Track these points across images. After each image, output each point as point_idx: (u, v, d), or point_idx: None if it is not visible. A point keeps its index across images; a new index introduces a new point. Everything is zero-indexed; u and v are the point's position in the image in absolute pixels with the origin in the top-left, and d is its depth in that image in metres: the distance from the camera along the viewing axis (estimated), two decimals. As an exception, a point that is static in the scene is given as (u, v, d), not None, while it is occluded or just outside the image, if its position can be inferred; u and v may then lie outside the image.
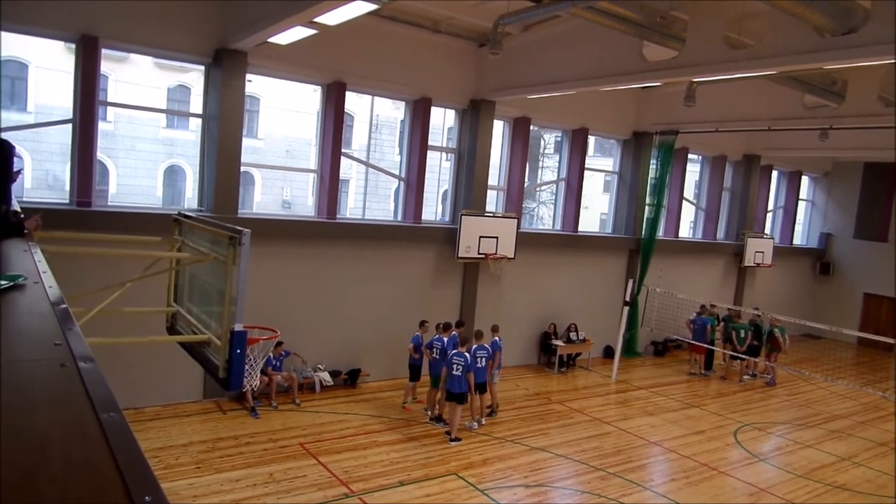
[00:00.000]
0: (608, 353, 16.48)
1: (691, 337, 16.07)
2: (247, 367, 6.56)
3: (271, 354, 11.16)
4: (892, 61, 8.07)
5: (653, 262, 16.85)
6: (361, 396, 12.21)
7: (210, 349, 5.12)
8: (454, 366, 10.32)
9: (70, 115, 9.82)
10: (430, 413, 11.41)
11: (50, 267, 3.26)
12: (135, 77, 12.43)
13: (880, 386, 15.79)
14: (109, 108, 11.93)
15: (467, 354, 10.44)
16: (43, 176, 13.07)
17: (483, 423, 11.13)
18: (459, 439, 10.41)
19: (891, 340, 14.72)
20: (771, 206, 21.87)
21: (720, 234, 19.84)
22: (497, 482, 9.12)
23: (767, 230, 21.49)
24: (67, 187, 10.13)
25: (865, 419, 13.68)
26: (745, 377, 16.07)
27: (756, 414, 13.45)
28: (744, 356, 15.60)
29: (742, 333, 15.72)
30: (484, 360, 10.87)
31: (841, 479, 10.29)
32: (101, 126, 10.50)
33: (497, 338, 11.71)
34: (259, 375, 9.61)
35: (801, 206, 23.14)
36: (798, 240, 23.30)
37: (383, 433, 10.52)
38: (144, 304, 6.39)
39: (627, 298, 15.23)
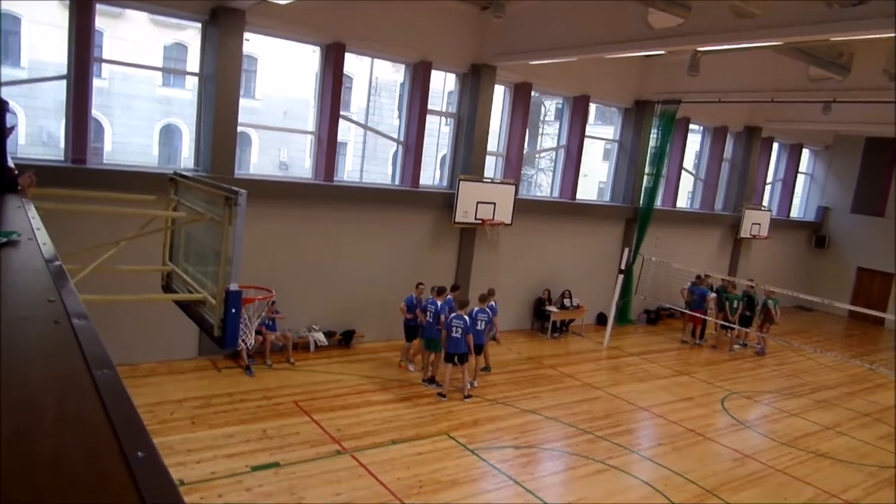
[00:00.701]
0: (601, 319, 16.62)
1: (687, 306, 16.20)
2: (242, 326, 6.62)
3: (265, 314, 11.24)
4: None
5: (649, 231, 16.88)
6: (355, 357, 12.35)
7: (205, 308, 5.16)
8: (454, 328, 10.52)
9: (64, 72, 9.68)
10: (412, 367, 11.82)
11: (44, 224, 3.27)
12: (130, 34, 12.21)
13: (868, 358, 15.99)
14: (104, 65, 11.74)
15: (466, 317, 10.62)
16: (37, 132, 12.94)
17: (476, 385, 11.30)
18: (470, 396, 10.79)
19: (881, 314, 14.90)
20: (770, 178, 21.82)
21: (718, 205, 19.83)
22: (487, 443, 9.30)
23: (765, 202, 21.49)
24: (62, 144, 10.06)
25: (852, 390, 13.91)
26: (736, 347, 16.27)
27: (744, 383, 13.67)
28: (735, 326, 15.77)
29: (735, 304, 15.85)
30: (483, 322, 11.12)
31: (824, 447, 10.51)
32: (96, 83, 10.35)
33: (493, 301, 11.84)
34: (254, 334, 9.70)
35: (801, 178, 23.09)
36: (795, 213, 23.31)
37: (376, 393, 10.68)
38: (140, 263, 6.42)
39: (622, 267, 15.31)
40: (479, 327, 11.05)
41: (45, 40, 11.65)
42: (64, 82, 9.70)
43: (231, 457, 8.02)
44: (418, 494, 7.61)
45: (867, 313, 14.99)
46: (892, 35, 8.22)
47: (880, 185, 21.69)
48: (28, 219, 3.28)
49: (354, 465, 8.13)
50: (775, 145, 21.36)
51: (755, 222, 19.79)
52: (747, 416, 11.76)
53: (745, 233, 19.61)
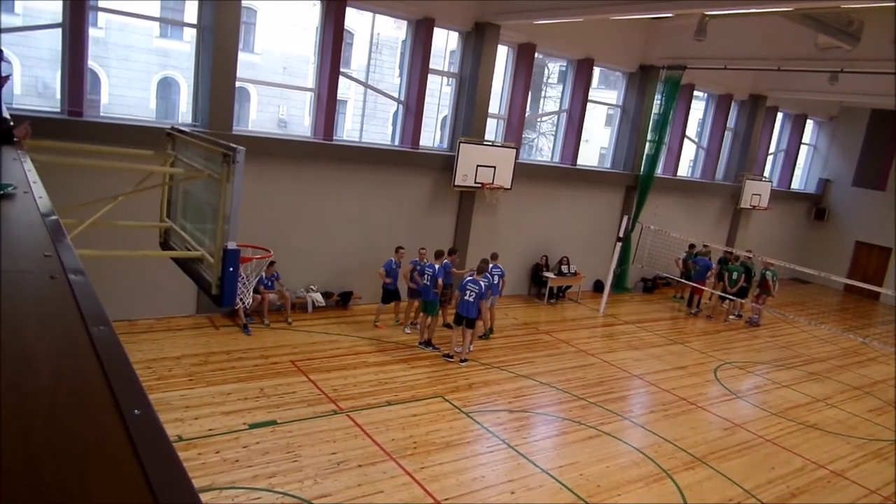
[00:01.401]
0: (598, 287, 16.68)
1: (686, 276, 16.27)
2: (239, 284, 6.61)
3: (264, 274, 11.23)
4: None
5: (649, 199, 16.81)
6: (353, 318, 12.40)
7: (203, 266, 5.13)
8: (467, 292, 10.60)
9: (59, 19, 9.46)
10: (408, 330, 11.98)
11: (40, 177, 3.21)
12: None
13: (861, 332, 16.12)
14: (100, 14, 11.48)
15: (482, 283, 10.66)
16: (33, 83, 12.71)
17: (471, 349, 11.36)
18: (466, 360, 10.89)
19: (876, 288, 14.98)
20: (773, 148, 21.67)
21: (719, 174, 19.72)
22: (482, 406, 9.40)
23: (767, 173, 21.38)
24: (58, 95, 9.89)
25: (843, 363, 14.04)
26: (731, 317, 16.37)
27: (738, 353, 13.78)
28: (732, 297, 15.83)
29: (734, 275, 15.89)
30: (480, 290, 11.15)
31: (813, 418, 10.65)
32: (92, 32, 10.14)
33: (495, 264, 12.17)
34: (252, 294, 9.70)
35: (803, 150, 22.93)
36: (796, 184, 23.22)
37: (373, 354, 10.75)
38: (137, 219, 6.35)
39: (621, 234, 15.29)
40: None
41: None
42: (59, 31, 9.49)
43: (228, 414, 8.10)
44: (412, 455, 7.71)
45: (863, 287, 15.05)
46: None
47: (883, 159, 21.55)
48: (24, 171, 3.23)
49: (350, 425, 8.23)
50: (779, 115, 21.15)
51: (755, 193, 19.72)
52: (739, 386, 11.88)
53: (745, 203, 19.55)
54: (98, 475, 0.90)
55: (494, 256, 12.27)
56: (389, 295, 12.04)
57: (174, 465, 0.93)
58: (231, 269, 4.72)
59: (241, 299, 9.00)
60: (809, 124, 22.62)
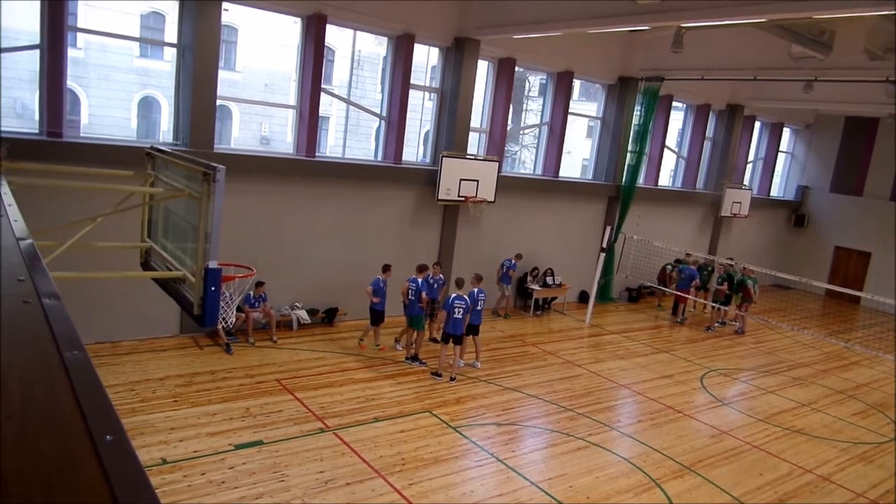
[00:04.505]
0: (583, 297, 16.74)
1: (675, 285, 16.44)
2: (222, 304, 6.55)
3: (251, 293, 11.17)
4: (885, 13, 7.98)
5: (631, 209, 16.95)
6: (338, 335, 12.34)
7: (185, 286, 5.09)
8: (455, 309, 10.50)
9: (37, 41, 9.41)
10: (399, 346, 11.86)
11: (16, 200, 3.19)
12: (106, 2, 11.87)
13: (843, 336, 16.31)
14: (79, 35, 11.46)
15: (467, 298, 10.63)
16: (11, 104, 12.62)
17: (479, 365, 11.41)
18: (455, 378, 10.77)
19: (856, 293, 15.17)
20: (751, 156, 21.97)
21: (699, 183, 19.94)
22: (470, 420, 9.37)
23: (746, 181, 21.66)
24: (37, 117, 9.81)
25: (827, 367, 14.17)
26: (716, 325, 16.49)
27: (723, 360, 13.87)
28: (714, 304, 15.99)
29: (708, 279, 16.15)
30: (482, 302, 11.28)
31: (799, 423, 10.73)
32: (71, 53, 10.09)
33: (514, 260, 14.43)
34: (235, 313, 9.63)
35: (781, 157, 23.27)
36: (775, 191, 23.53)
37: (359, 371, 10.69)
38: (119, 240, 6.30)
39: (604, 245, 15.39)
40: (478, 307, 11.13)
41: (17, 7, 11.29)
42: (37, 52, 9.43)
43: (214, 435, 8.00)
44: (401, 472, 7.66)
45: (843, 291, 15.24)
46: (874, 13, 8.23)
47: (858, 165, 21.94)
48: (-1, 194, 3.19)
49: (337, 443, 8.16)
50: (757, 123, 21.47)
51: (736, 201, 19.96)
52: (725, 393, 11.95)
53: (725, 211, 19.78)
54: (68, 500, 0.89)
55: (519, 256, 14.74)
56: (377, 316, 11.62)
57: (145, 491, 0.92)
58: (213, 288, 4.68)
59: (223, 318, 8.94)
60: (786, 132, 22.98)
